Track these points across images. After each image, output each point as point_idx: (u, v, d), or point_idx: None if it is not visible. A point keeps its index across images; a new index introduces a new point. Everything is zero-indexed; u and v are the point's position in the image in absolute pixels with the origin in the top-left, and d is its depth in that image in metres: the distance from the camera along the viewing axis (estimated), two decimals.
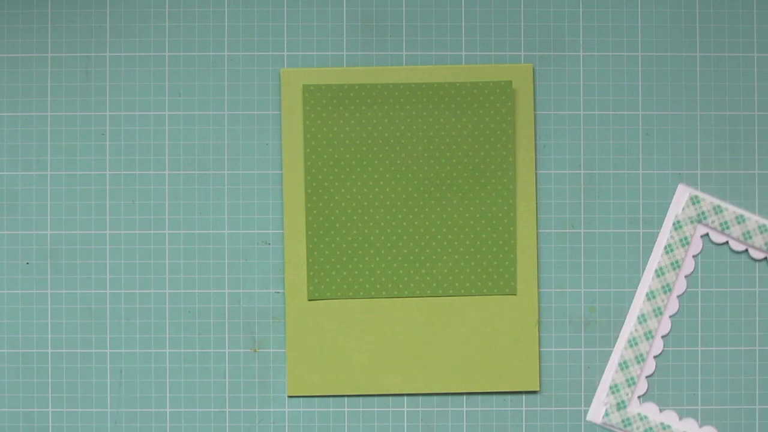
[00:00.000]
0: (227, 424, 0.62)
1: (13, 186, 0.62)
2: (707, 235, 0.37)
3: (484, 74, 0.62)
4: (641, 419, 0.61)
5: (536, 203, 0.63)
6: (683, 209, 0.36)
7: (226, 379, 0.62)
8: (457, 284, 0.62)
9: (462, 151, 0.62)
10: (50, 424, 0.62)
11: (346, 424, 0.62)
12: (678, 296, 0.58)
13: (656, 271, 0.55)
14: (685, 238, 0.36)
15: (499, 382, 0.62)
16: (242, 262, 0.62)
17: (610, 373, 0.60)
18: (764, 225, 0.28)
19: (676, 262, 0.56)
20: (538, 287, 0.62)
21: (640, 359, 0.59)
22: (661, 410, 0.61)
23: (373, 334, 0.62)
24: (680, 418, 0.61)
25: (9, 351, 0.62)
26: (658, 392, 0.62)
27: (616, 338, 0.62)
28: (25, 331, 0.62)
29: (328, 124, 0.62)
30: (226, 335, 0.62)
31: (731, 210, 0.30)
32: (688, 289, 0.62)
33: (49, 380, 0.62)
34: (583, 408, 0.62)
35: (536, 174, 0.63)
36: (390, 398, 0.63)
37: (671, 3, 0.63)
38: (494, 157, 0.62)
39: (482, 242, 0.62)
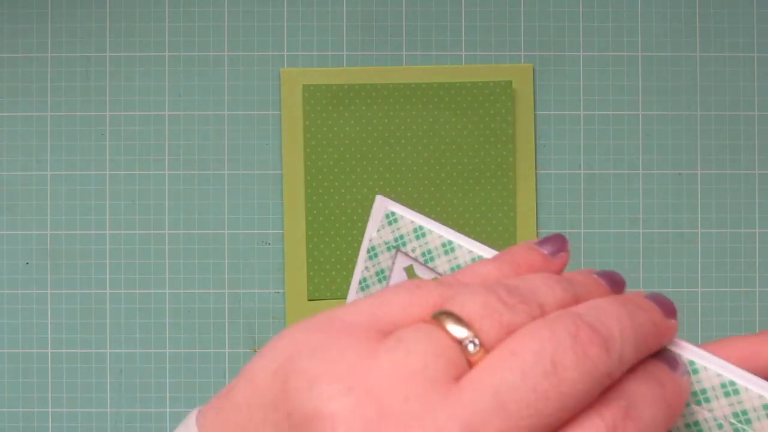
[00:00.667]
0: None
1: (13, 186, 0.62)
2: (411, 267, 0.26)
3: (484, 74, 0.62)
4: None
5: (536, 203, 0.63)
6: (378, 231, 0.25)
7: (226, 379, 0.62)
8: None
9: (462, 151, 0.62)
10: (50, 424, 0.62)
11: None
12: None
13: None
14: (382, 271, 0.25)
15: None
16: (242, 262, 0.62)
17: None
18: (480, 256, 0.22)
19: None
20: None
21: None
22: None
23: None
24: None
25: (9, 351, 0.62)
26: None
27: None
28: (25, 331, 0.62)
29: (328, 124, 0.62)
30: (226, 335, 0.62)
31: (436, 234, 0.22)
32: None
33: (49, 380, 0.62)
34: None
35: (536, 174, 0.63)
36: None
37: (671, 3, 0.63)
38: (494, 157, 0.62)
39: (482, 242, 0.62)
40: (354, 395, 0.19)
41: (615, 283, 0.24)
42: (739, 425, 0.21)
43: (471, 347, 0.20)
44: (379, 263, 0.27)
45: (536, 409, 0.19)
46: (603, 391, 0.21)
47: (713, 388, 0.21)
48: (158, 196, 0.63)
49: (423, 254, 0.26)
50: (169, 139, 0.63)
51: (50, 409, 0.62)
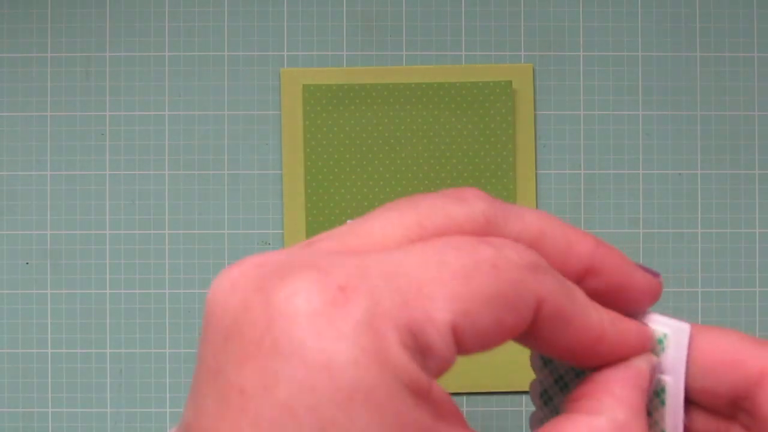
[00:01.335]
0: None
1: (13, 186, 0.62)
2: None
3: (484, 74, 0.62)
4: None
5: (536, 203, 0.63)
6: None
7: None
8: None
9: (462, 151, 0.62)
10: (50, 424, 0.62)
11: None
12: None
13: None
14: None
15: (499, 382, 0.62)
16: None
17: None
18: None
19: None
20: None
21: None
22: None
23: None
24: None
25: (9, 351, 0.62)
26: None
27: None
28: (25, 331, 0.62)
29: (328, 124, 0.62)
30: None
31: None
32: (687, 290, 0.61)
33: (49, 380, 0.62)
34: None
35: (536, 174, 0.63)
36: None
37: (671, 3, 0.63)
38: (494, 157, 0.62)
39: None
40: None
41: None
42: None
43: None
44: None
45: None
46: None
47: (655, 423, 0.20)
48: (158, 196, 0.63)
49: None
50: (169, 139, 0.63)
51: (50, 409, 0.62)
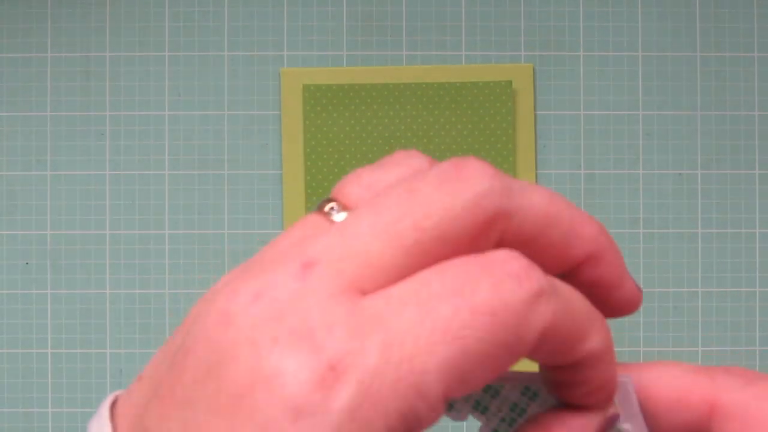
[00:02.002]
0: None
1: (13, 186, 0.62)
2: None
3: (484, 74, 0.62)
4: None
5: None
6: None
7: None
8: None
9: (462, 151, 0.62)
10: (50, 424, 0.62)
11: None
12: None
13: None
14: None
15: None
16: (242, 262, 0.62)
17: None
18: None
19: None
20: None
21: None
22: None
23: None
24: None
25: (9, 351, 0.62)
26: None
27: (616, 338, 0.62)
28: (25, 331, 0.62)
29: (328, 124, 0.62)
30: None
31: None
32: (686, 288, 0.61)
33: (49, 380, 0.62)
34: None
35: (536, 174, 0.63)
36: None
37: (671, 3, 0.63)
38: (494, 157, 0.62)
39: None
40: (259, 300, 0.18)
41: None
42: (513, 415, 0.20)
43: (334, 213, 0.19)
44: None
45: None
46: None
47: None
48: (158, 196, 0.63)
49: None
50: (169, 139, 0.63)
51: (50, 409, 0.62)
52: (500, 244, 0.18)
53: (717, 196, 0.62)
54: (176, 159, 0.63)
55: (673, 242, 0.62)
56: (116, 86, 0.63)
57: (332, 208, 0.19)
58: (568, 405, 0.19)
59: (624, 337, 0.62)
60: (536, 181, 0.62)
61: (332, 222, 0.18)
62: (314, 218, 0.19)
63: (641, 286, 0.63)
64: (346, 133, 0.62)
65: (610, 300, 0.20)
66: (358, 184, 0.19)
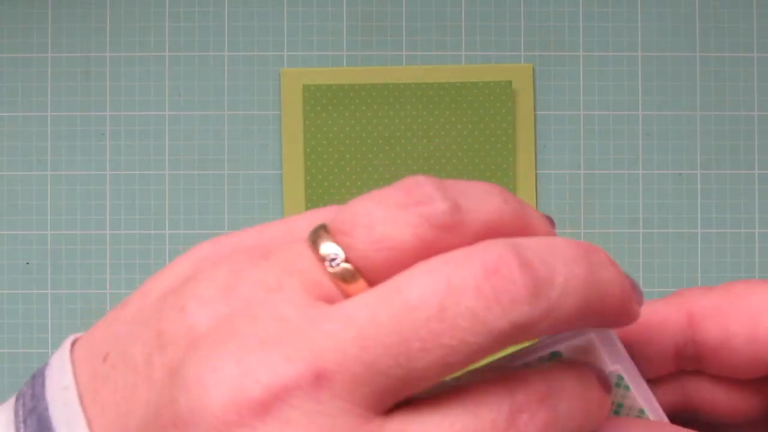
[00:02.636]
0: None
1: (13, 186, 0.62)
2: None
3: (484, 74, 0.62)
4: None
5: (536, 203, 0.63)
6: None
7: None
8: None
9: (462, 151, 0.62)
10: None
11: None
12: None
13: None
14: None
15: None
16: None
17: None
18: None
19: None
20: None
21: None
22: None
23: None
24: None
25: (9, 351, 0.62)
26: None
27: None
28: (25, 331, 0.62)
29: (328, 124, 0.62)
30: None
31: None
32: None
33: None
34: None
35: (536, 174, 0.63)
36: None
37: (671, 3, 0.63)
38: (494, 157, 0.62)
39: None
40: (216, 315, 0.16)
41: None
42: None
43: (332, 265, 0.16)
44: None
45: (406, 361, 0.15)
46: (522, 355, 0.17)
47: (630, 408, 0.20)
48: (158, 196, 0.63)
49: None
50: (169, 139, 0.63)
51: None
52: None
53: (717, 196, 0.62)
54: (176, 159, 0.63)
55: (673, 242, 0.63)
56: (116, 86, 0.63)
57: (333, 260, 0.17)
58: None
59: None
60: (536, 181, 0.62)
61: (345, 288, 0.16)
62: (308, 257, 0.17)
63: (641, 287, 0.63)
64: (346, 133, 0.62)
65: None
66: (369, 234, 0.17)
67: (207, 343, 0.16)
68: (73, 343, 0.19)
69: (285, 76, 0.62)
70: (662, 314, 0.20)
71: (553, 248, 0.16)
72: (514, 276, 0.15)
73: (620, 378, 0.19)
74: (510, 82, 0.62)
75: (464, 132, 0.62)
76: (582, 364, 0.18)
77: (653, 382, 0.21)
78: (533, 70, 0.63)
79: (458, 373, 0.17)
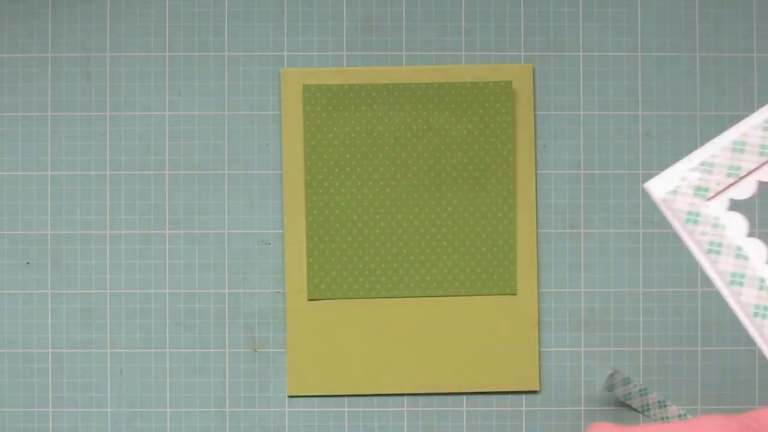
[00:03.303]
0: (227, 424, 0.62)
1: (13, 186, 0.62)
2: None
3: (484, 74, 0.62)
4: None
5: (536, 203, 0.63)
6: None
7: (226, 379, 0.62)
8: (457, 284, 0.62)
9: (462, 151, 0.62)
10: (50, 424, 0.62)
11: (346, 424, 0.62)
12: None
13: None
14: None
15: (499, 382, 0.62)
16: (242, 262, 0.62)
17: None
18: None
19: None
20: (538, 287, 0.62)
21: None
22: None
23: (373, 334, 0.62)
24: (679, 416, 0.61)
25: (9, 351, 0.62)
26: (657, 392, 0.62)
27: (615, 338, 0.62)
28: (25, 331, 0.62)
29: (328, 124, 0.62)
30: (226, 335, 0.62)
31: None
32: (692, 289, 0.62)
33: (49, 380, 0.62)
34: (583, 408, 0.62)
35: (536, 174, 0.63)
36: (390, 398, 0.63)
37: (671, 3, 0.63)
38: (494, 157, 0.62)
39: (482, 242, 0.62)
40: None
41: None
42: None
43: None
44: None
45: None
46: None
47: None
48: (158, 196, 0.63)
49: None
50: (169, 139, 0.63)
51: (50, 409, 0.62)
52: None
53: None
54: (176, 159, 0.63)
55: (673, 242, 0.63)
56: (116, 86, 0.63)
57: None
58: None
59: (624, 337, 0.62)
60: (536, 181, 0.62)
61: None
62: None
63: (640, 287, 0.63)
64: (346, 133, 0.62)
65: None
66: None
67: None
68: None
69: (285, 76, 0.62)
70: None
71: None
72: None
73: None
74: (510, 82, 0.62)
75: (464, 132, 0.62)
76: None
77: None
78: (533, 70, 0.63)
79: None
